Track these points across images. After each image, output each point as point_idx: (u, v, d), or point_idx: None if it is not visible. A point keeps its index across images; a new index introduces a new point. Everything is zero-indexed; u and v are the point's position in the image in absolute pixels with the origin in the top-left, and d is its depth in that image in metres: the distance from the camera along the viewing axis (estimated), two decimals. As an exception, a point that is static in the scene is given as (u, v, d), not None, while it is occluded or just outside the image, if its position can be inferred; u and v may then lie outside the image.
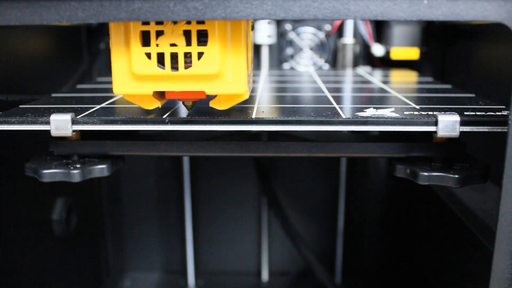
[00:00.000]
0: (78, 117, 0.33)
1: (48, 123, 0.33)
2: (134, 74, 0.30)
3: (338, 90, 0.46)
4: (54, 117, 0.33)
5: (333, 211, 0.71)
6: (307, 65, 0.66)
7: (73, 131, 0.33)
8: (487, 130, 0.32)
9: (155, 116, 0.33)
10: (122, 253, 0.74)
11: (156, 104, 0.33)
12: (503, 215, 0.28)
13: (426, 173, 0.34)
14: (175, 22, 0.29)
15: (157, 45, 0.30)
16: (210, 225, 0.73)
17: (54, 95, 0.44)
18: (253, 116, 0.33)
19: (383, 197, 0.70)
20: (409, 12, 0.27)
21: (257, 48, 0.66)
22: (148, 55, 0.30)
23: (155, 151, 0.38)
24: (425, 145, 0.35)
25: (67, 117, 0.33)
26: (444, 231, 0.50)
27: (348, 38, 0.64)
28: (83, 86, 0.49)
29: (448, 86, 0.48)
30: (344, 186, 0.69)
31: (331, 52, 0.66)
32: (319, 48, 0.66)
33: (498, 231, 0.29)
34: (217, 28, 0.29)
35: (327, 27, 0.65)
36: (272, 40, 0.64)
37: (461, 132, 0.32)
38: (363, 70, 0.62)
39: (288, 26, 0.65)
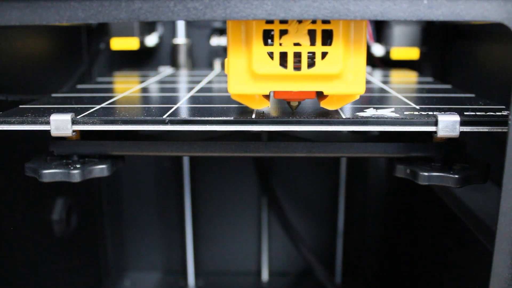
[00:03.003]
0: (78, 117, 0.33)
1: (48, 123, 0.33)
2: (254, 74, 0.30)
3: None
4: (54, 117, 0.33)
5: (333, 211, 0.71)
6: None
7: (73, 131, 0.33)
8: (487, 130, 0.32)
9: (155, 116, 0.33)
10: (122, 253, 0.74)
11: (266, 104, 0.33)
12: (503, 215, 0.28)
13: (426, 173, 0.34)
14: (300, 21, 0.29)
15: (280, 44, 0.29)
16: (210, 225, 0.73)
17: (54, 95, 0.44)
18: (253, 116, 0.33)
19: (383, 197, 0.70)
20: (409, 12, 0.27)
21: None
22: (270, 55, 0.29)
23: (155, 151, 0.38)
24: (425, 145, 0.35)
25: (67, 117, 0.33)
26: (444, 231, 0.50)
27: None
28: (83, 86, 0.49)
29: (448, 86, 0.48)
30: (344, 186, 0.69)
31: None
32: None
33: (498, 231, 0.29)
34: (341, 28, 0.29)
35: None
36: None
37: (461, 132, 0.32)
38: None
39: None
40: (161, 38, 0.66)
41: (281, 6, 0.27)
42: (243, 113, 0.34)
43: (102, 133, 0.36)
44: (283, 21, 0.29)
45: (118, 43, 0.61)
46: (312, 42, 0.29)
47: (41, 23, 0.28)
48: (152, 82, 0.52)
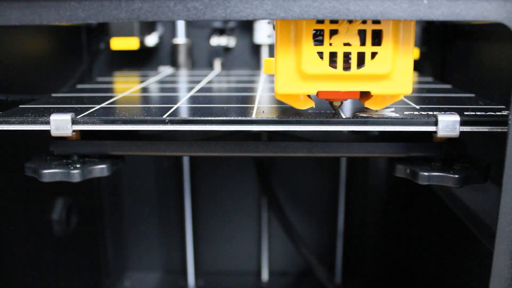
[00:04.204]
0: (78, 117, 0.33)
1: (48, 123, 0.33)
2: (303, 74, 0.30)
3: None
4: (54, 117, 0.33)
5: (333, 211, 0.71)
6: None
7: (73, 131, 0.33)
8: (487, 130, 0.32)
9: (155, 116, 0.33)
10: (122, 253, 0.74)
11: (310, 104, 0.33)
12: (503, 215, 0.28)
13: (426, 173, 0.34)
14: (350, 21, 0.29)
15: (330, 44, 0.29)
16: (210, 225, 0.73)
17: (54, 95, 0.44)
18: (253, 116, 0.33)
19: (383, 197, 0.70)
20: (409, 12, 0.27)
21: (257, 48, 0.66)
22: (320, 54, 0.29)
23: (155, 151, 0.38)
24: (425, 145, 0.35)
25: (67, 117, 0.33)
26: (444, 231, 0.50)
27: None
28: (83, 86, 0.49)
29: (448, 86, 0.48)
30: (344, 186, 0.69)
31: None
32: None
33: (498, 231, 0.29)
34: (391, 28, 0.29)
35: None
36: (272, 40, 0.64)
37: (461, 132, 0.32)
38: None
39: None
40: (161, 38, 0.66)
41: (281, 6, 0.27)
42: (243, 113, 0.34)
43: (102, 133, 0.36)
44: (333, 21, 0.29)
45: (118, 43, 0.61)
46: (362, 42, 0.29)
47: (41, 23, 0.28)
48: (152, 82, 0.52)
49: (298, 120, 0.32)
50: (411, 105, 0.37)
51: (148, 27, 0.63)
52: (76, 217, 0.58)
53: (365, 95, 0.33)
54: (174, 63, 0.65)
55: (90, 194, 0.65)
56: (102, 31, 0.63)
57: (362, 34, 0.29)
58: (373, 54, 0.29)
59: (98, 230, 0.68)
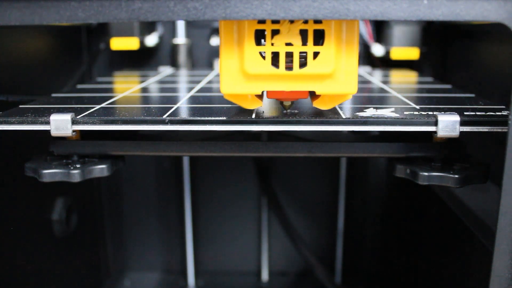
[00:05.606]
0: (78, 117, 0.33)
1: (48, 123, 0.33)
2: (246, 74, 0.30)
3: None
4: (54, 117, 0.33)
5: (333, 211, 0.71)
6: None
7: (73, 131, 0.33)
8: (487, 130, 0.32)
9: (155, 116, 0.33)
10: (122, 253, 0.74)
11: (259, 104, 0.33)
12: (503, 215, 0.28)
13: (426, 173, 0.34)
14: (291, 21, 0.29)
15: (272, 44, 0.29)
16: (210, 225, 0.73)
17: (54, 95, 0.44)
18: (253, 116, 0.33)
19: (383, 197, 0.70)
20: (409, 12, 0.27)
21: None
22: (262, 54, 0.30)
23: (155, 151, 0.38)
24: (425, 145, 0.35)
25: (67, 117, 0.33)
26: (444, 231, 0.50)
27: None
28: (83, 86, 0.49)
29: (448, 86, 0.48)
30: (344, 186, 0.69)
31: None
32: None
33: (498, 231, 0.29)
34: (333, 28, 0.29)
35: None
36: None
37: (461, 132, 0.32)
38: (363, 70, 0.62)
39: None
40: (161, 38, 0.66)
41: (281, 6, 0.27)
42: (243, 113, 0.34)
43: (102, 133, 0.36)
44: (275, 21, 0.29)
45: (118, 43, 0.61)
46: (304, 42, 0.29)
47: (41, 23, 0.28)
48: (152, 82, 0.52)
49: (298, 120, 0.32)
50: (411, 105, 0.37)
51: (148, 27, 0.63)
52: (76, 217, 0.58)
53: (314, 94, 0.33)
54: (174, 63, 0.65)
55: (90, 194, 0.65)
56: (102, 31, 0.63)
57: (305, 34, 0.29)
58: (316, 54, 0.29)
59: (98, 230, 0.68)
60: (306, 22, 0.29)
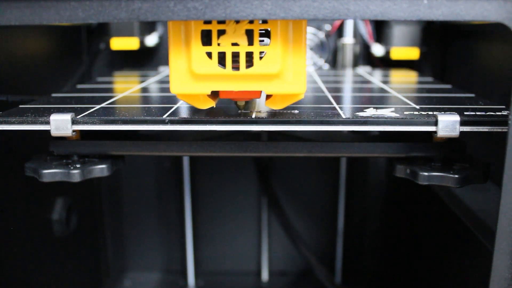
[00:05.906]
0: (78, 117, 0.33)
1: (48, 123, 0.33)
2: (194, 74, 0.30)
3: (338, 90, 0.46)
4: (54, 117, 0.33)
5: (333, 211, 0.71)
6: (307, 65, 0.66)
7: (73, 131, 0.33)
8: (487, 130, 0.32)
9: (155, 116, 0.33)
10: (122, 253, 0.74)
11: (211, 103, 0.33)
12: (503, 215, 0.28)
13: (426, 173, 0.34)
14: (237, 22, 0.29)
15: (218, 44, 0.29)
16: (210, 225, 0.73)
17: (54, 95, 0.44)
18: (253, 116, 0.33)
19: (383, 197, 0.70)
20: (409, 12, 0.27)
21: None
22: (209, 55, 0.30)
23: (155, 151, 0.38)
24: (425, 145, 0.35)
25: (67, 117, 0.33)
26: (444, 231, 0.50)
27: (348, 38, 0.64)
28: (83, 86, 0.49)
29: (448, 86, 0.48)
30: (344, 186, 0.69)
31: (331, 52, 0.66)
32: (319, 48, 0.66)
33: (498, 231, 0.29)
34: (279, 28, 0.29)
35: (327, 27, 0.65)
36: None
37: (461, 132, 0.32)
38: (363, 70, 0.62)
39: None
40: (161, 38, 0.66)
41: (281, 6, 0.27)
42: (243, 113, 0.34)
43: (102, 133, 0.36)
44: (221, 21, 0.29)
45: (118, 43, 0.61)
46: (250, 42, 0.29)
47: (41, 23, 0.28)
48: (152, 82, 0.52)
49: (298, 120, 0.32)
50: (411, 105, 0.37)
51: (148, 27, 0.63)
52: (76, 217, 0.58)
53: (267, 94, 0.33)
54: (174, 63, 0.65)
55: (90, 194, 0.65)
56: (102, 31, 0.63)
57: (251, 34, 0.29)
58: (262, 54, 0.29)
59: (98, 230, 0.68)
60: (252, 22, 0.29)
